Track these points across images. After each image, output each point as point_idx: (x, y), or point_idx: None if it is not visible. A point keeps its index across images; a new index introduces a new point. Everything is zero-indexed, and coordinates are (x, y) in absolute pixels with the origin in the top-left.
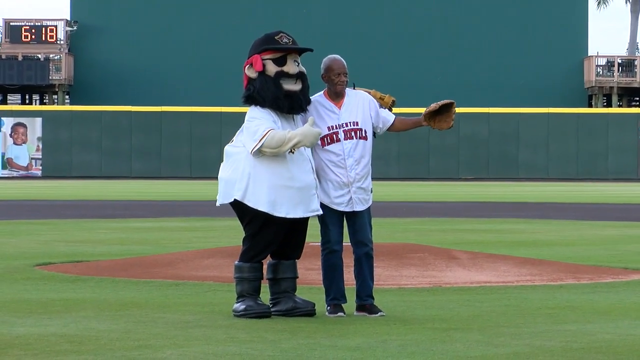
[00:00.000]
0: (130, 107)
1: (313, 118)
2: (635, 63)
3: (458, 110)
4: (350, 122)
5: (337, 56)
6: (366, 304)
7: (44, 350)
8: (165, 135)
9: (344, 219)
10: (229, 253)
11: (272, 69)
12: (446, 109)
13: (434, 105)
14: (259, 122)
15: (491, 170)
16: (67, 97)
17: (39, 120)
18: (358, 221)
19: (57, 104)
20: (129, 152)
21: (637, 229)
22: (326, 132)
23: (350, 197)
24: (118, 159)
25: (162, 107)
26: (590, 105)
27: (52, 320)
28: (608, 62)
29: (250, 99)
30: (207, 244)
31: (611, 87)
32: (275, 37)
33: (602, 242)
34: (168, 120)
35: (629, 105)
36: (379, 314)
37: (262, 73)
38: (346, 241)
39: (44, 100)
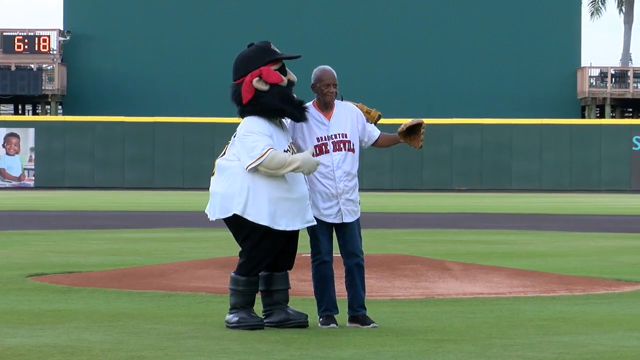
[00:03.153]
0: (123, 117)
1: (312, 148)
2: (629, 74)
3: (452, 121)
4: (339, 134)
5: (328, 67)
6: (359, 315)
7: None
8: (158, 145)
9: (333, 230)
10: (221, 264)
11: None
12: (417, 129)
13: (402, 126)
14: (256, 137)
15: (484, 180)
16: (59, 107)
17: (31, 130)
18: (348, 232)
19: (50, 114)
20: (121, 163)
21: (629, 240)
22: (315, 143)
23: (339, 209)
24: (111, 169)
25: (155, 117)
26: (583, 116)
27: (44, 330)
28: (601, 73)
29: (252, 112)
30: (199, 254)
31: (604, 98)
32: (272, 48)
33: (594, 254)
34: (161, 131)
35: (622, 116)
36: (372, 325)
37: (276, 84)
38: (336, 253)
39: (37, 111)
